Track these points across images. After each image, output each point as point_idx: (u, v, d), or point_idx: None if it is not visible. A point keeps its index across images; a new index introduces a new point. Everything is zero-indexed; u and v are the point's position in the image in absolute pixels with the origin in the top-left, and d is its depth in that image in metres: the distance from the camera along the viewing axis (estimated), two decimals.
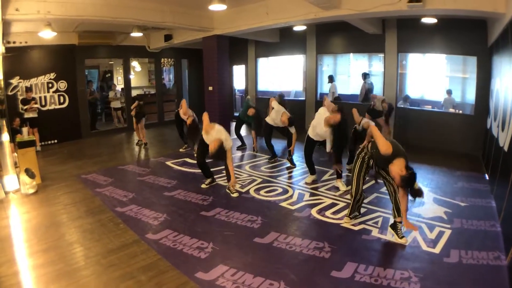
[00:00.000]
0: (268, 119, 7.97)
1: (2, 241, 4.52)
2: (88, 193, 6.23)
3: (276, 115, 7.68)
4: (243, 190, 6.14)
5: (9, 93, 9.90)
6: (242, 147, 9.49)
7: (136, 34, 10.82)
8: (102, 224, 4.90)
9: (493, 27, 7.21)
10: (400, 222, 4.23)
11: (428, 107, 10.12)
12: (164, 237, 4.44)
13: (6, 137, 6.47)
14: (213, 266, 3.73)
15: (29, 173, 6.32)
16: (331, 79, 11.69)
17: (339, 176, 6.33)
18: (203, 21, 9.76)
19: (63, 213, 5.39)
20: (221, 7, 6.76)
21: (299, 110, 11.81)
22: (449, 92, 9.61)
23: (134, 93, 14.62)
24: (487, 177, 6.65)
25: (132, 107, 10.27)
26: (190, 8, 9.11)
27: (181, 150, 9.36)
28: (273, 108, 7.82)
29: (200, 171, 6.56)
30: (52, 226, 4.91)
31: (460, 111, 9.38)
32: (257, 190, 6.14)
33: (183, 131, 9.31)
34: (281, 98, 8.96)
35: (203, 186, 6.38)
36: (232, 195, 5.90)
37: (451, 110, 9.49)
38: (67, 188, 6.58)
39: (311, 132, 6.26)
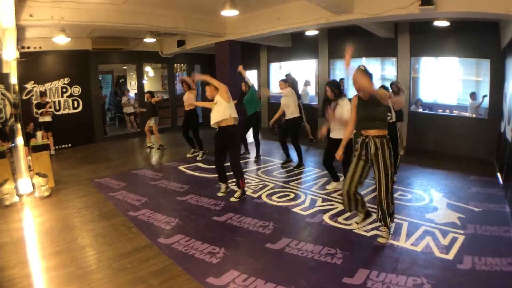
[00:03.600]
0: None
1: (15, 243, 4.58)
2: (101, 197, 6.28)
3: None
4: (255, 196, 6.14)
5: (24, 98, 10.06)
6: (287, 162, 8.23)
7: (149, 40, 10.90)
8: (114, 228, 4.93)
9: (506, 29, 7.14)
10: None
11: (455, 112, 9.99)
12: (176, 242, 4.45)
13: (20, 140, 6.56)
14: (225, 272, 3.72)
15: (41, 174, 6.43)
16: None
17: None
18: (215, 27, 9.80)
19: (76, 216, 5.45)
20: (233, 12, 6.79)
21: (312, 114, 11.77)
22: (473, 95, 9.27)
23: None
24: (501, 182, 6.57)
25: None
26: (202, 13, 9.15)
27: (188, 155, 9.18)
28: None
29: (214, 175, 6.55)
30: (64, 229, 4.97)
31: (474, 115, 9.27)
32: (269, 196, 6.12)
33: (188, 132, 9.07)
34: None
35: (220, 194, 6.21)
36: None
37: (466, 114, 9.39)
38: (80, 191, 6.65)
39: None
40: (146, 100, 10.51)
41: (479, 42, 8.46)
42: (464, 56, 9.16)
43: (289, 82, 8.29)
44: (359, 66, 4.13)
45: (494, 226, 4.70)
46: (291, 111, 7.72)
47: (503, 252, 4.01)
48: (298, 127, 8.08)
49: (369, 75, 4.06)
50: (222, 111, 5.79)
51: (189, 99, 8.70)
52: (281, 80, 8.09)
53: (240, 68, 8.49)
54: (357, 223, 4.67)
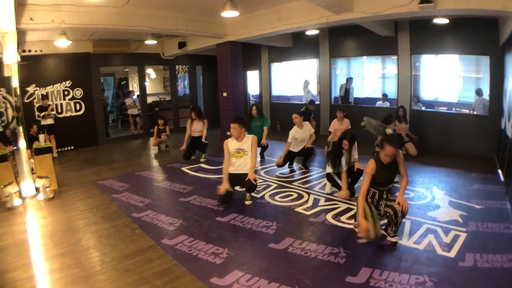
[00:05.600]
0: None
1: (19, 245, 4.61)
2: (105, 199, 6.31)
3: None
4: (258, 196, 6.15)
5: (25, 101, 10.11)
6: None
7: (150, 42, 10.89)
8: (118, 230, 4.95)
9: (504, 25, 7.15)
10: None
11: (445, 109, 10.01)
12: (179, 243, 4.47)
13: (23, 143, 6.59)
14: (228, 272, 3.74)
15: (42, 176, 6.48)
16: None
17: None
18: (216, 28, 9.81)
19: (79, 218, 5.47)
20: (234, 13, 6.79)
21: (314, 114, 11.79)
22: (479, 91, 9.06)
23: (149, 99, 14.83)
24: (502, 178, 6.57)
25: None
26: (203, 15, 9.16)
27: (192, 157, 9.18)
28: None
29: (217, 176, 6.54)
30: (68, 231, 4.99)
31: (475, 112, 9.27)
32: (272, 196, 6.14)
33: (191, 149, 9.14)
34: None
35: (247, 202, 5.85)
36: (246, 202, 5.85)
37: (466, 111, 9.38)
38: (84, 194, 6.68)
39: None
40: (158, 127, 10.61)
41: (478, 38, 8.47)
42: (464, 53, 9.17)
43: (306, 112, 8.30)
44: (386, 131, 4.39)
45: (495, 223, 4.72)
46: (300, 147, 7.60)
47: (504, 248, 4.02)
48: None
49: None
50: (247, 165, 5.74)
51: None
52: (295, 113, 7.60)
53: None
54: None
